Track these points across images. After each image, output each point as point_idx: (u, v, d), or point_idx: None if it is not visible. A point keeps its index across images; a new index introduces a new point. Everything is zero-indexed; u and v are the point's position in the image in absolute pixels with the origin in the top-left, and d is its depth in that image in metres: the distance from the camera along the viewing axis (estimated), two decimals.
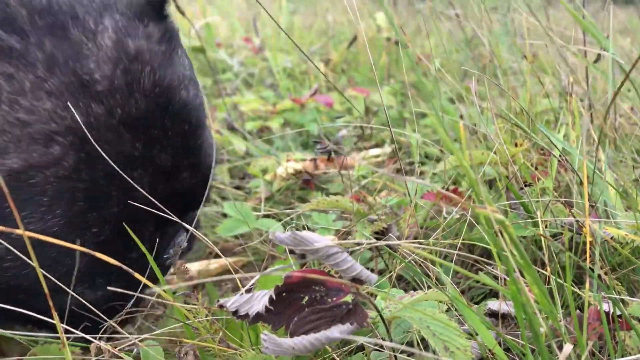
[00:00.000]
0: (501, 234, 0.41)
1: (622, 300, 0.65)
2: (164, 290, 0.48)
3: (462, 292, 0.81)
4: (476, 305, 0.70)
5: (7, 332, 0.52)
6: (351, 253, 0.85)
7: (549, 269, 0.53)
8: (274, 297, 0.43)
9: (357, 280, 0.44)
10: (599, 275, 0.69)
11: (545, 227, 0.78)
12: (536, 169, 0.94)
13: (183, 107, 0.54)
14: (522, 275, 0.52)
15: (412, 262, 0.64)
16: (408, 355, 0.57)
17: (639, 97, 1.01)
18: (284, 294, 0.45)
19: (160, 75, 0.52)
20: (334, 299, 0.45)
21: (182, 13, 0.93)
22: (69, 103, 0.47)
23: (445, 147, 0.35)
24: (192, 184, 0.55)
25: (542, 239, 0.76)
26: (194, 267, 0.86)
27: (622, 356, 0.54)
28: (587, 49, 1.11)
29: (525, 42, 0.95)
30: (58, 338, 0.48)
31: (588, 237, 0.48)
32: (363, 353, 0.57)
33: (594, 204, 0.72)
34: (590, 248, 0.70)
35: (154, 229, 0.53)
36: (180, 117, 0.53)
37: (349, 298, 0.45)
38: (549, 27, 1.45)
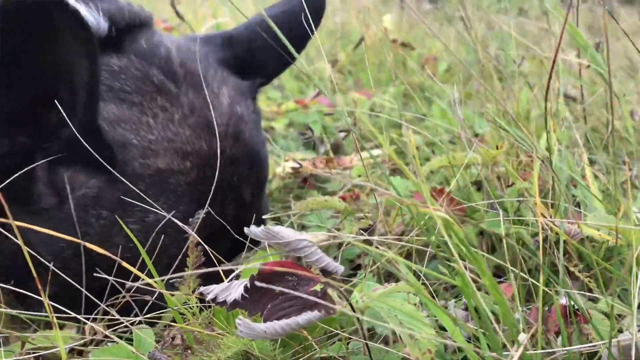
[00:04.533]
0: (452, 230, 0.44)
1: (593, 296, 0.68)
2: (155, 281, 0.53)
3: (446, 289, 0.85)
4: (454, 300, 0.74)
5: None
6: (340, 248, 0.89)
7: (509, 264, 0.56)
8: (248, 286, 0.47)
9: (325, 271, 0.48)
10: (572, 273, 0.72)
11: (527, 225, 0.81)
12: (524, 170, 0.98)
13: (264, 159, 0.75)
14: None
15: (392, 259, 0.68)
16: (385, 344, 0.61)
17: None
18: (260, 284, 0.49)
19: (254, 133, 0.73)
20: (305, 288, 0.49)
21: (182, 18, 0.97)
22: (198, 137, 0.66)
23: (393, 159, 0.39)
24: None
25: (526, 237, 0.79)
26: None
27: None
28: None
29: (513, 45, 0.98)
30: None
31: (540, 236, 0.51)
32: (341, 342, 0.61)
33: (569, 204, 0.75)
34: (567, 246, 0.73)
35: (230, 243, 0.68)
36: (262, 165, 0.74)
37: (319, 287, 0.49)
38: (547, 30, 1.47)
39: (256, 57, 0.78)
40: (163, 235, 0.61)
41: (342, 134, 1.32)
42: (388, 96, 1.60)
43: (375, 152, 1.33)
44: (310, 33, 0.75)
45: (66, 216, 0.60)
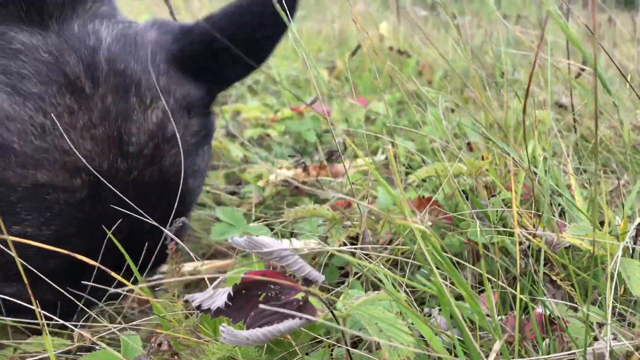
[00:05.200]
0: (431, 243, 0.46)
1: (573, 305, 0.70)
2: (141, 288, 0.54)
3: (433, 297, 0.86)
4: (439, 308, 0.76)
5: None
6: (331, 257, 0.90)
7: (492, 273, 0.58)
8: (232, 294, 0.49)
9: (306, 280, 0.50)
10: (554, 281, 0.74)
11: (512, 235, 0.83)
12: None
13: (188, 190, 0.64)
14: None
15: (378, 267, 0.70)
16: (369, 352, 0.63)
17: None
18: (243, 291, 0.51)
19: (179, 160, 0.61)
20: (287, 296, 0.50)
21: (174, 18, 0.99)
22: (102, 152, 0.56)
23: (373, 174, 0.40)
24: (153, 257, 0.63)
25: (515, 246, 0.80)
26: (187, 268, 0.92)
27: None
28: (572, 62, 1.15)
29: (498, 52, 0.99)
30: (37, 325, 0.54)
31: (517, 246, 0.53)
32: (325, 349, 0.63)
33: (551, 215, 0.77)
34: (549, 255, 0.75)
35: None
36: (182, 196, 0.62)
37: (300, 295, 0.51)
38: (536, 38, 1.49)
39: (217, 58, 0.65)
40: (25, 249, 0.52)
41: (338, 141, 1.34)
42: (383, 104, 1.61)
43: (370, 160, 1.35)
44: (278, 34, 0.65)
45: None
